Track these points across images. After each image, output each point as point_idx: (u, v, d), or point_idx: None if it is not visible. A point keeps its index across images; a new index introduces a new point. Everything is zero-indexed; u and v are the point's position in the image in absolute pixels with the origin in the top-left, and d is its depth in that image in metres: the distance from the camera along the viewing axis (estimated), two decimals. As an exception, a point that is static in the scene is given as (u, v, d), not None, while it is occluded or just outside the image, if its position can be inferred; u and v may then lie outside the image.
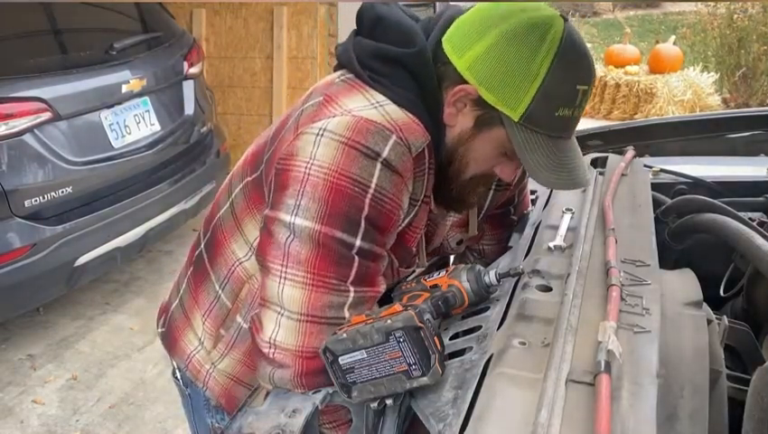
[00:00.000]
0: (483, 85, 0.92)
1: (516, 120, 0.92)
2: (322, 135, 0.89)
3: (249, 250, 1.06)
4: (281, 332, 0.92)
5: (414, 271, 1.24)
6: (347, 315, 0.92)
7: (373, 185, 0.89)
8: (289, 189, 0.90)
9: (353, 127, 0.89)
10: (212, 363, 1.13)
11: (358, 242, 0.91)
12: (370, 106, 0.93)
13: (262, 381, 0.97)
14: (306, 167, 0.89)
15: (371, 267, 0.94)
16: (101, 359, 2.93)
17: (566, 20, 0.92)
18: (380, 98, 0.95)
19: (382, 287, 0.98)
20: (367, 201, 0.89)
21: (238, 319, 1.09)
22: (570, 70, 0.91)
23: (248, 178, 1.07)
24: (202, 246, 1.17)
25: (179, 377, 1.24)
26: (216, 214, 1.15)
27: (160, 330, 1.25)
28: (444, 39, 0.96)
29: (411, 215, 1.00)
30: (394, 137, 0.90)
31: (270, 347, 0.93)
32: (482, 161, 1.00)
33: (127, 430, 2.51)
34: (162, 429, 2.51)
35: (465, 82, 0.93)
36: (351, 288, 0.92)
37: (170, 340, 1.21)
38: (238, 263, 1.09)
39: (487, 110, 0.94)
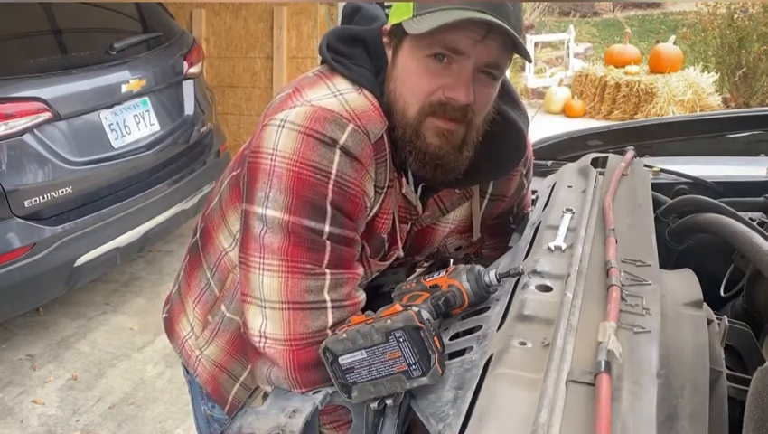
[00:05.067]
0: (390, 19, 0.97)
1: (412, 17, 0.92)
2: (283, 126, 0.92)
3: (233, 241, 1.10)
4: (269, 324, 0.94)
5: (414, 271, 1.24)
6: (327, 298, 0.94)
7: (334, 171, 0.92)
8: (259, 182, 0.93)
9: (311, 116, 0.92)
10: (200, 349, 1.17)
11: (327, 228, 0.93)
12: (331, 95, 0.96)
13: (261, 383, 0.98)
14: (271, 159, 0.92)
15: (345, 250, 0.96)
16: (101, 359, 2.93)
17: None
18: (342, 86, 0.97)
19: (360, 271, 1.00)
20: (330, 186, 0.92)
21: (223, 308, 1.13)
22: None
23: (234, 172, 1.11)
24: (197, 235, 1.21)
25: (182, 363, 1.27)
26: (209, 206, 1.19)
27: (164, 316, 1.30)
28: None
29: (379, 203, 1.02)
30: (351, 125, 0.93)
31: (261, 339, 0.94)
32: (413, 82, 0.95)
33: (127, 430, 2.51)
34: (162, 429, 2.51)
35: None
36: (327, 271, 0.94)
37: (169, 325, 1.26)
38: (224, 253, 1.12)
39: (395, 33, 0.97)
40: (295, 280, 0.92)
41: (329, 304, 0.94)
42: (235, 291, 1.09)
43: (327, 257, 0.94)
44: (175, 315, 1.24)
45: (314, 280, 0.93)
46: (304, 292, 0.93)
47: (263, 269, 0.93)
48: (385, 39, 1.00)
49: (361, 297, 1.00)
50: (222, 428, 1.20)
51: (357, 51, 1.00)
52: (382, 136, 0.97)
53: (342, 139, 0.92)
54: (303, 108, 0.93)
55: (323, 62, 1.04)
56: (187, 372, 1.25)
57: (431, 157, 0.98)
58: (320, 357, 0.87)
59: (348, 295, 0.97)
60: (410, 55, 0.95)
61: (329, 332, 0.93)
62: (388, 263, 1.12)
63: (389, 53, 0.99)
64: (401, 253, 1.13)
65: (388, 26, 0.99)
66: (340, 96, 0.95)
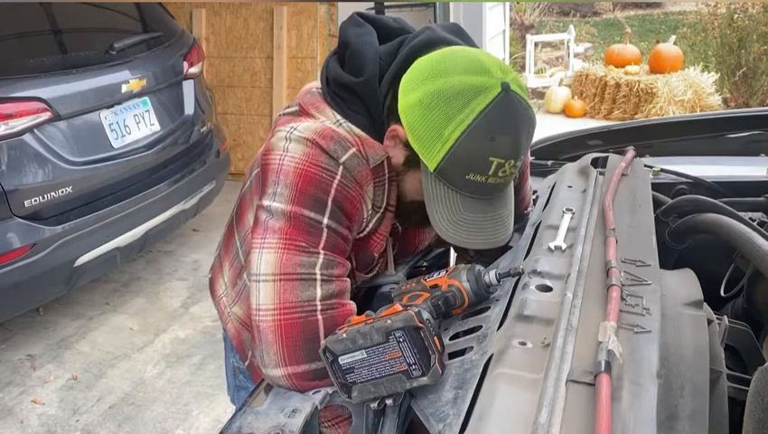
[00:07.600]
0: (410, 131, 0.99)
1: (431, 171, 0.98)
2: (292, 132, 1.02)
3: None
4: (261, 296, 0.99)
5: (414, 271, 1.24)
6: (318, 272, 0.99)
7: (339, 174, 1.00)
8: (269, 179, 1.02)
9: (320, 132, 1.01)
10: (229, 307, 1.28)
11: (325, 220, 1.00)
12: (337, 123, 1.05)
13: (258, 366, 1.01)
14: (280, 159, 1.01)
15: (340, 241, 1.03)
16: (101, 359, 2.93)
17: (505, 91, 0.94)
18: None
19: (348, 265, 1.06)
20: (334, 185, 1.00)
21: (245, 277, 1.20)
22: (482, 143, 0.94)
23: (256, 171, 1.16)
24: (234, 209, 1.30)
25: (219, 319, 1.35)
26: (243, 188, 1.27)
27: (208, 276, 1.41)
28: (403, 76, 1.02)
29: (374, 221, 1.09)
30: (353, 150, 1.02)
31: (256, 313, 1.00)
32: (414, 193, 1.07)
33: (127, 430, 2.51)
34: (162, 429, 2.51)
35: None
36: (322, 252, 1.00)
37: (211, 284, 1.38)
38: (249, 231, 1.17)
39: (413, 153, 1.00)
40: (290, 255, 0.98)
41: (318, 277, 0.99)
42: None
43: (323, 241, 1.00)
44: (215, 274, 1.35)
45: (308, 257, 0.99)
46: (297, 265, 0.98)
47: (262, 247, 1.00)
48: (392, 133, 1.02)
49: (348, 281, 1.05)
50: (246, 379, 1.32)
51: (351, 96, 1.06)
52: (383, 162, 1.05)
53: (343, 159, 1.00)
54: (312, 124, 1.03)
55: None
56: (223, 328, 1.34)
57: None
58: (309, 336, 0.92)
59: (338, 275, 1.02)
60: (417, 181, 1.03)
61: (318, 304, 0.98)
62: (371, 275, 1.20)
63: (397, 148, 1.03)
64: (393, 270, 1.23)
65: (402, 131, 1.00)
66: (345, 123, 1.05)
